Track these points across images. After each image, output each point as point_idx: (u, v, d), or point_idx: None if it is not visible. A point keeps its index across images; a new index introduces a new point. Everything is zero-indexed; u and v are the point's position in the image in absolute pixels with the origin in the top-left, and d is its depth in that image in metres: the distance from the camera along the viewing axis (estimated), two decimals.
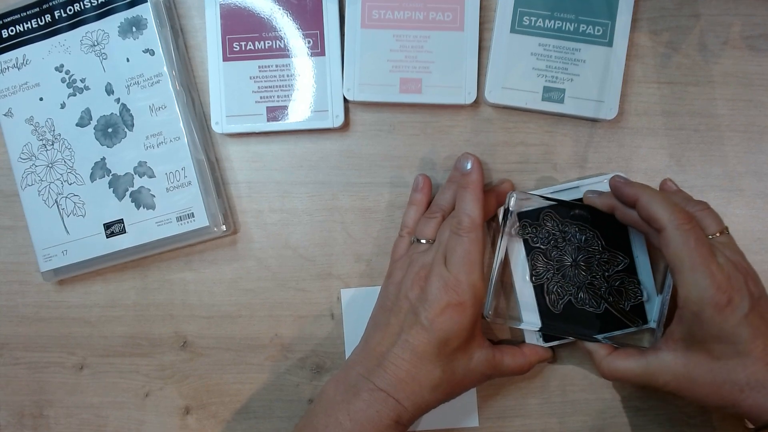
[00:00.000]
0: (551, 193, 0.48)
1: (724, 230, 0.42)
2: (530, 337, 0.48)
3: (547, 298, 0.46)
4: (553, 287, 0.46)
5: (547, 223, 0.46)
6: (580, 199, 0.47)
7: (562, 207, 0.46)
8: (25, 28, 0.50)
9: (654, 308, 0.46)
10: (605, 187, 0.47)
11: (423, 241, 0.45)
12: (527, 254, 0.47)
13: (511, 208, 0.46)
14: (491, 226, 0.50)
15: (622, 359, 0.43)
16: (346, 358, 0.48)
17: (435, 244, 0.44)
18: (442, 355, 0.41)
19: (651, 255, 0.46)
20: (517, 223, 0.47)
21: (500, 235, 0.46)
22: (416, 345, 0.40)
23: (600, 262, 0.46)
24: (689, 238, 0.38)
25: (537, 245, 0.46)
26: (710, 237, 0.41)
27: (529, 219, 0.46)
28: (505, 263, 0.49)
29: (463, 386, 0.43)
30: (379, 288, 0.47)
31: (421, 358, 0.40)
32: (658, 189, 0.46)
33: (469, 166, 0.44)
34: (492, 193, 0.47)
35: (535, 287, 0.47)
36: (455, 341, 0.41)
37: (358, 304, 0.49)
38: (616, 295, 0.46)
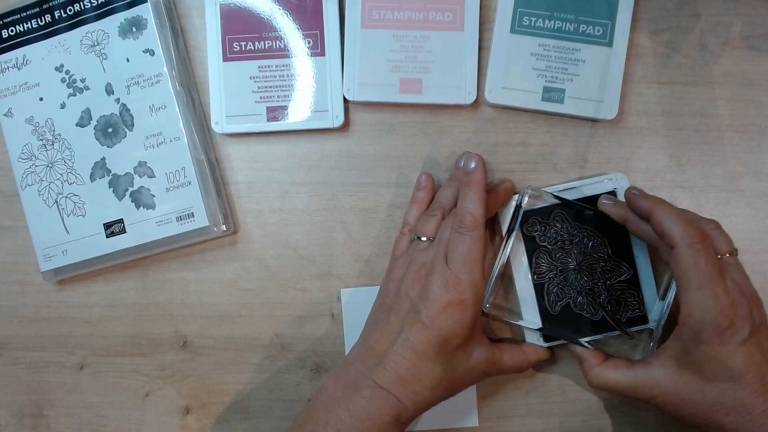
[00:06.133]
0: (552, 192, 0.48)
1: (734, 252, 0.41)
2: (531, 336, 0.48)
3: (546, 298, 0.46)
4: (554, 288, 0.46)
5: (557, 224, 0.46)
6: (590, 200, 0.47)
7: (573, 209, 0.46)
8: (25, 28, 0.50)
9: (653, 315, 0.46)
10: (606, 186, 0.48)
11: (423, 238, 0.45)
12: (532, 252, 0.47)
13: (523, 204, 0.46)
14: (494, 226, 0.50)
15: (611, 370, 0.43)
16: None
17: (435, 242, 0.44)
18: (442, 354, 0.41)
19: (654, 268, 0.46)
20: (526, 220, 0.47)
21: (507, 230, 0.46)
22: (416, 343, 0.40)
23: (603, 270, 0.46)
24: (700, 258, 0.38)
25: (543, 244, 0.46)
26: (719, 257, 0.40)
27: (539, 217, 0.46)
28: (508, 259, 0.49)
29: (463, 384, 0.43)
30: (378, 287, 0.47)
31: (422, 357, 0.40)
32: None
33: (472, 164, 0.44)
34: (493, 193, 0.47)
35: (535, 285, 0.47)
36: (456, 340, 0.41)
37: (358, 304, 0.49)
38: (614, 305, 0.46)
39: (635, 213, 0.43)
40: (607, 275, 0.46)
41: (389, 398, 0.40)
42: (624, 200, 0.44)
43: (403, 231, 0.47)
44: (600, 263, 0.46)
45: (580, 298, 0.46)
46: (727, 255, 0.41)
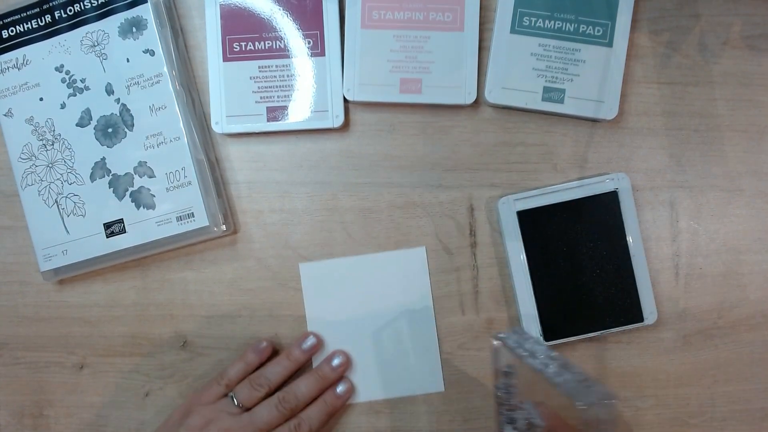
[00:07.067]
0: (551, 193, 0.48)
1: None
2: (530, 332, 0.48)
3: None
4: None
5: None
6: (590, 200, 0.47)
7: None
8: (26, 29, 0.50)
9: None
10: (607, 186, 0.48)
11: (236, 403, 0.45)
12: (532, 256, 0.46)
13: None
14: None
15: None
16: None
17: (246, 416, 0.45)
18: None
19: None
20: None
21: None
22: None
23: None
24: None
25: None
26: None
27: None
28: (509, 262, 0.49)
29: None
30: (342, 259, 0.48)
31: None
32: None
33: (343, 389, 0.48)
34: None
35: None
36: None
37: (317, 277, 0.50)
38: None
39: None
40: None
41: None
42: None
43: (220, 382, 0.47)
44: None
45: None
46: None
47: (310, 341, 0.48)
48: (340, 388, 0.48)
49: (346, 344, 0.49)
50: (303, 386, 0.47)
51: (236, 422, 0.44)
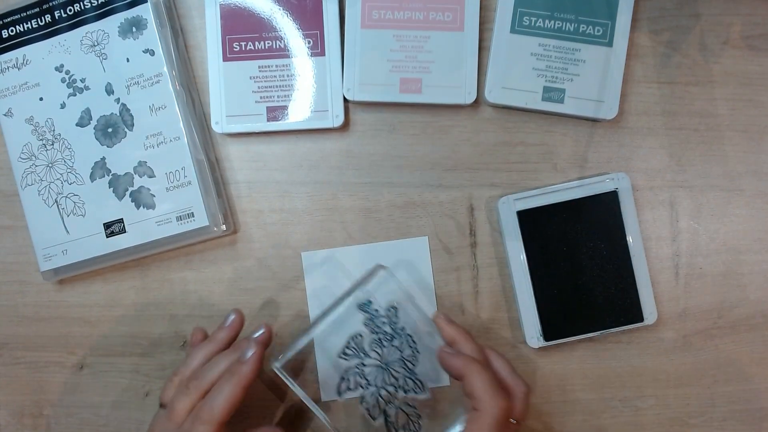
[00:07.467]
0: (551, 192, 0.48)
1: (520, 423, 0.41)
2: (531, 334, 0.48)
3: (340, 380, 0.44)
4: (351, 375, 0.44)
5: (392, 320, 0.45)
6: (589, 200, 0.47)
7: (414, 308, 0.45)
8: (26, 28, 0.50)
9: None
10: (607, 186, 0.48)
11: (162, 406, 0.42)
12: (532, 256, 0.47)
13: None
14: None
15: None
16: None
17: (164, 414, 0.41)
18: None
19: None
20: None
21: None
22: None
23: (404, 383, 0.44)
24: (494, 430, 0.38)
25: (369, 328, 0.45)
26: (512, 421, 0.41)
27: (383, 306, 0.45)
28: (509, 262, 0.49)
29: None
30: (344, 248, 0.48)
31: None
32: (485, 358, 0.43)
33: (249, 353, 0.41)
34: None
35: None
36: None
37: (319, 266, 0.50)
38: (398, 419, 0.44)
39: (448, 372, 0.42)
40: (405, 389, 0.44)
41: None
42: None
43: (173, 378, 0.43)
44: (404, 375, 0.44)
45: (370, 395, 0.44)
46: (514, 422, 0.41)
47: (253, 349, 0.41)
48: (247, 353, 0.41)
49: (348, 334, 0.48)
50: (214, 364, 0.42)
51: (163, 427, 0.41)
